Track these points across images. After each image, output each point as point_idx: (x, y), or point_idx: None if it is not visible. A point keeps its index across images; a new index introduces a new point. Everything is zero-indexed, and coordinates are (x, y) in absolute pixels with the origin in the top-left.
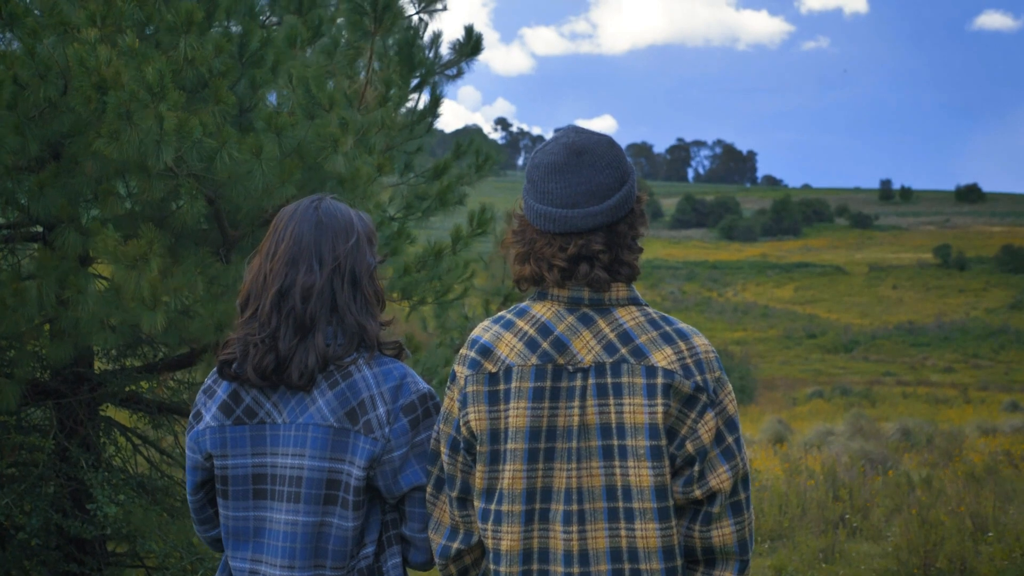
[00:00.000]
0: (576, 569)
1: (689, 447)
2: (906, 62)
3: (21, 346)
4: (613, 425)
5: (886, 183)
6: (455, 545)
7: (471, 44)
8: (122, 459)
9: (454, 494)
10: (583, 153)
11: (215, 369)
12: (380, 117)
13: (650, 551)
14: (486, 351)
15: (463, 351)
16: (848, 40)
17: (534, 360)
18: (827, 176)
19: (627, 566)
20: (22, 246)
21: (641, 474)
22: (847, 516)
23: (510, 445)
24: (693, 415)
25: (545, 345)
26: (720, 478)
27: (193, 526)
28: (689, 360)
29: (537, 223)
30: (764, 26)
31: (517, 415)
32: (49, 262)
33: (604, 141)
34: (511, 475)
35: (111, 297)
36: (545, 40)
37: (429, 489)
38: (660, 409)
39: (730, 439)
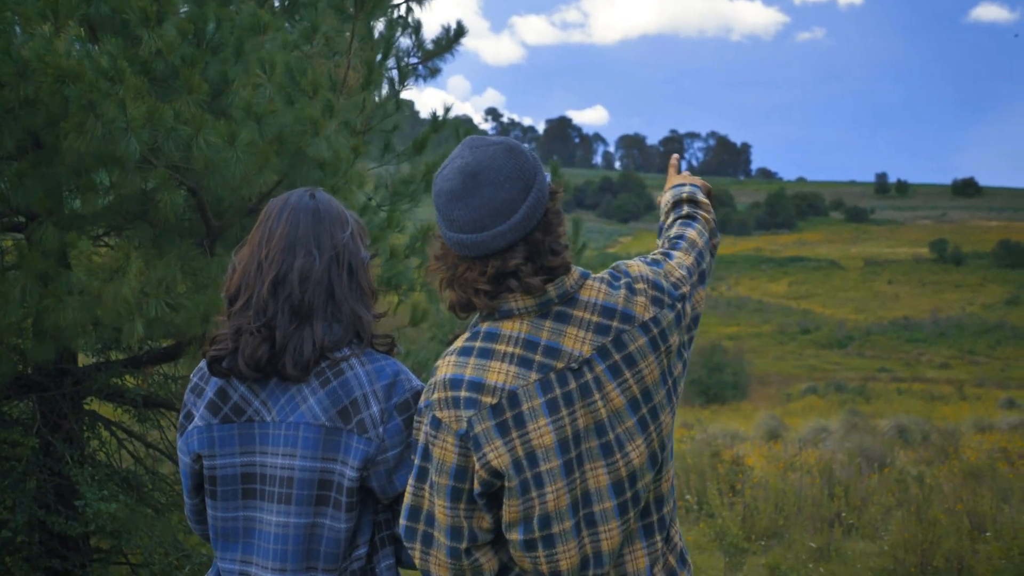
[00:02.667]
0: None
1: (701, 299)
2: (902, 54)
3: (2, 341)
4: (639, 395)
5: (882, 176)
6: None
7: (453, 33)
8: (106, 454)
9: (463, 545)
10: (478, 174)
11: (201, 366)
12: (363, 100)
13: (667, 495)
14: (477, 386)
15: (443, 394)
16: (843, 31)
17: (534, 376)
18: (822, 169)
19: (655, 517)
20: (3, 236)
21: (667, 421)
22: (843, 514)
23: (544, 467)
24: (685, 319)
25: (538, 357)
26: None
27: (188, 523)
28: (652, 291)
29: (455, 249)
30: (758, 16)
31: (541, 435)
32: (30, 258)
33: (500, 152)
34: (554, 495)
35: (91, 303)
36: (536, 29)
37: (418, 547)
38: (664, 354)
39: (689, 261)
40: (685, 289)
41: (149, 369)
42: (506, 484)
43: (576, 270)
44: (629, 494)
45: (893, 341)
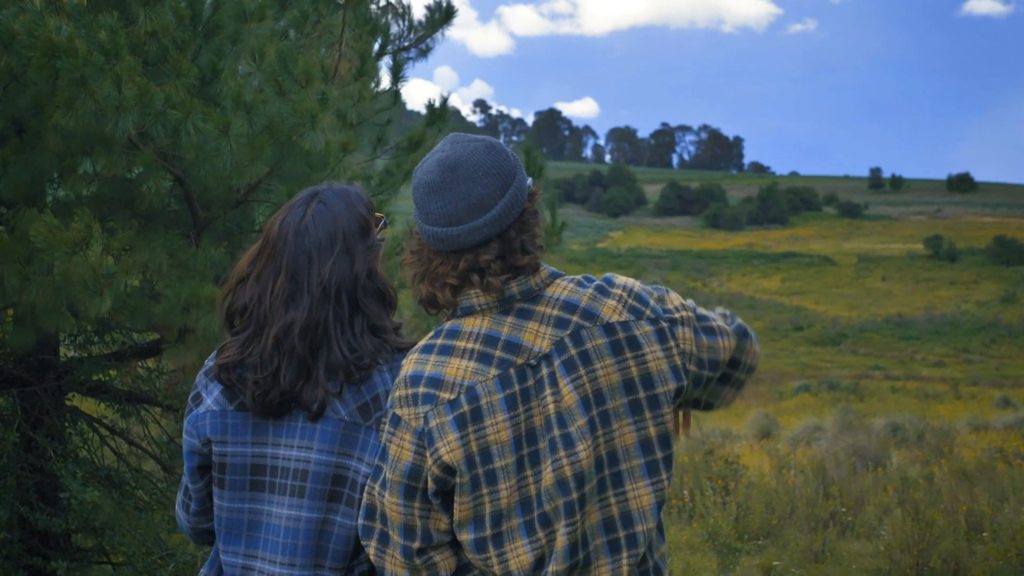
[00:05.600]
0: (580, 555)
1: (693, 368)
2: (895, 47)
3: None
4: (591, 395)
5: (876, 171)
6: None
7: (443, 13)
8: (89, 451)
9: (415, 544)
10: (456, 168)
11: (215, 353)
12: (356, 91)
13: (644, 510)
14: (436, 381)
15: (403, 391)
16: (836, 24)
17: (494, 371)
18: (815, 163)
19: (622, 533)
20: None
21: (625, 432)
22: (839, 513)
23: (498, 463)
24: (671, 343)
25: (498, 353)
26: (726, 348)
27: (178, 518)
28: (631, 300)
29: (430, 243)
30: (750, 8)
31: (498, 430)
32: (9, 245)
33: (480, 148)
34: (507, 492)
35: (61, 283)
36: (524, 20)
37: (373, 544)
38: (632, 362)
39: (710, 321)
40: (678, 315)
41: (132, 363)
42: (457, 480)
43: (546, 269)
44: (575, 495)
45: (887, 339)
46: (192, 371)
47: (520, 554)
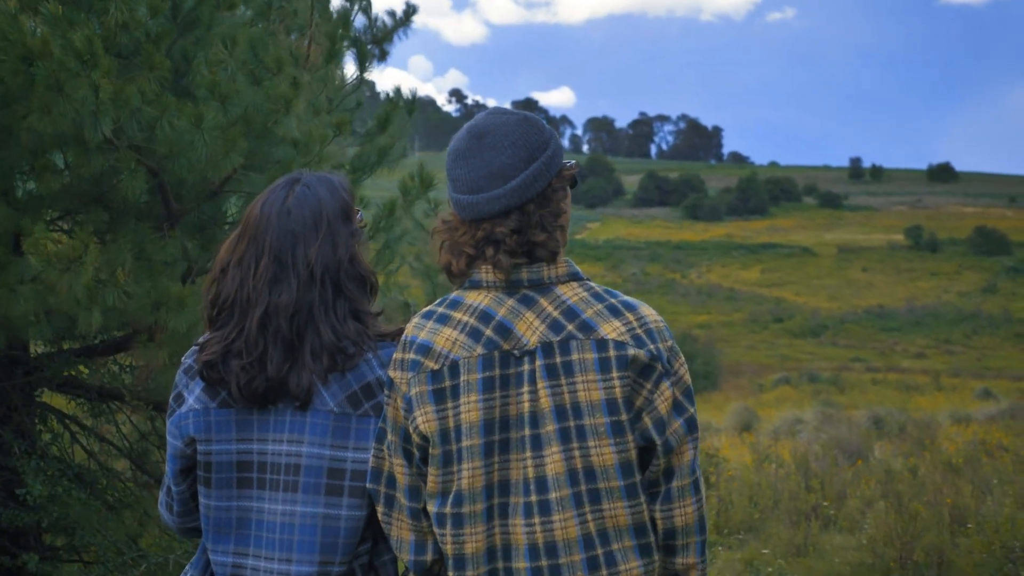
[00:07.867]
0: (544, 562)
1: (647, 420)
2: (875, 36)
3: None
4: (568, 406)
5: (856, 161)
6: (428, 558)
7: (403, 14)
8: (59, 448)
9: (421, 505)
10: (484, 136)
11: (194, 348)
12: (326, 75)
13: (620, 530)
14: (425, 349)
15: (398, 355)
16: (815, 11)
17: (480, 350)
18: (795, 153)
19: (600, 551)
20: None
21: (603, 452)
22: (821, 506)
23: (465, 442)
24: (649, 385)
25: (488, 332)
26: (682, 451)
27: (162, 516)
28: (640, 330)
29: (456, 211)
30: None
31: (469, 409)
32: None
33: (513, 120)
34: (470, 473)
35: (44, 292)
36: (499, 8)
37: (380, 508)
38: (617, 382)
39: (691, 410)
40: (676, 368)
41: (103, 359)
42: (430, 451)
43: (567, 266)
44: (535, 498)
45: (867, 330)
46: (162, 369)
47: (478, 540)
